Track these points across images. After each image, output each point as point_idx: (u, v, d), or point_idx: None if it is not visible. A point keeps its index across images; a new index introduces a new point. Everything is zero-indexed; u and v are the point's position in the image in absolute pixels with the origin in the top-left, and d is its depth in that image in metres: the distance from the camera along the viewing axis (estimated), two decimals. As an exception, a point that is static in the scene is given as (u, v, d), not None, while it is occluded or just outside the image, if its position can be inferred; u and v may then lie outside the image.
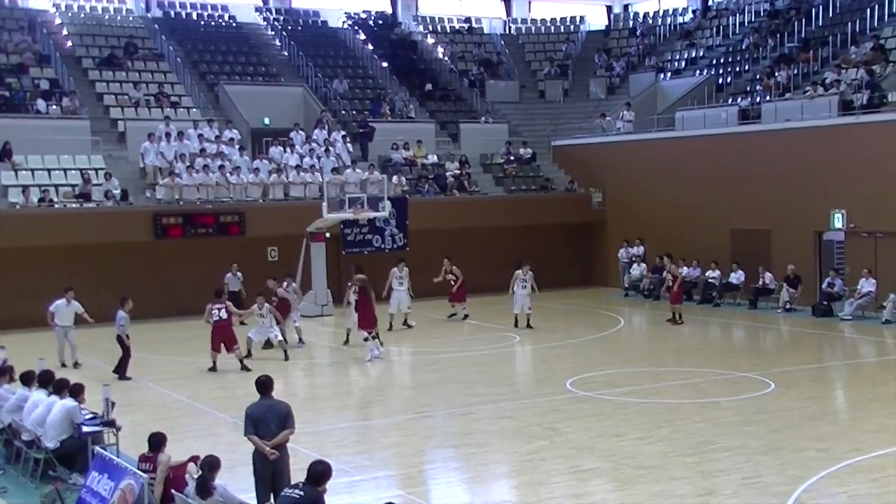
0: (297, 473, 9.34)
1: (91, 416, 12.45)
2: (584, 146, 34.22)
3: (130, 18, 37.14)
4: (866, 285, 24.35)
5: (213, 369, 19.28)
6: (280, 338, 21.07)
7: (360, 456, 13.24)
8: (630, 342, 23.52)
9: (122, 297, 19.16)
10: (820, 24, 33.58)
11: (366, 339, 20.23)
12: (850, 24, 31.35)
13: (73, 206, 26.60)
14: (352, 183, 28.78)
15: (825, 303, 25.12)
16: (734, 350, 22.28)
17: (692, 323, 26.03)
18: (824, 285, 25.51)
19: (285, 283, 22.77)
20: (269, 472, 9.79)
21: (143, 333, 24.53)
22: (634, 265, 30.71)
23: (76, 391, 12.22)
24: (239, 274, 25.90)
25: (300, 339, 22.52)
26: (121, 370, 18.61)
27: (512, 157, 34.61)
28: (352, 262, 25.23)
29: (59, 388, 12.33)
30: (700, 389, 16.86)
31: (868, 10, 31.29)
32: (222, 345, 19.34)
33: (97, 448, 11.42)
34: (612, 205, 32.71)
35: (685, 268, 29.12)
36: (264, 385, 10.16)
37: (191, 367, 20.00)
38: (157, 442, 10.33)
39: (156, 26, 36.70)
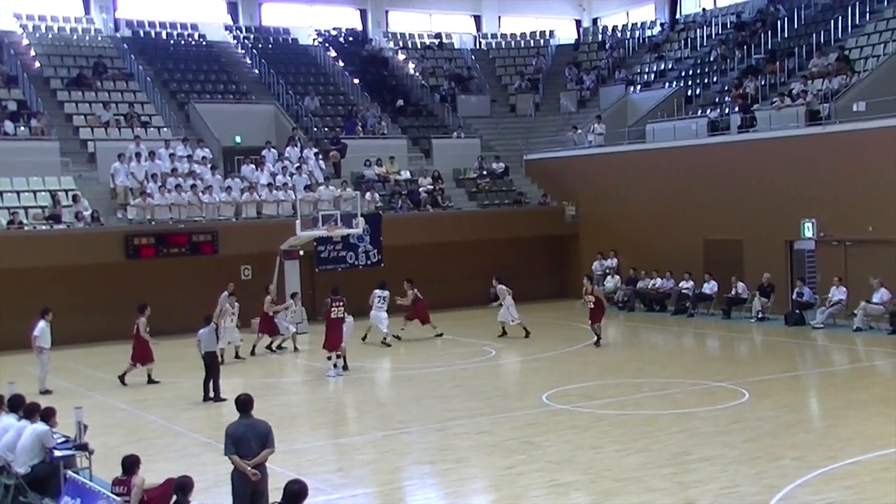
0: (273, 493, 9.26)
1: (63, 439, 12.28)
2: (556, 160, 34.39)
3: (99, 38, 36.92)
4: (837, 293, 24.57)
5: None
6: (239, 343, 22.57)
7: (336, 474, 13.15)
8: (605, 354, 23.52)
9: (207, 315, 18.91)
10: (785, 35, 34.00)
11: (329, 358, 20.49)
12: (814, 35, 31.78)
13: (44, 227, 26.35)
14: (325, 200, 28.72)
15: (797, 311, 25.32)
16: (708, 360, 22.39)
17: (666, 333, 26.19)
18: (793, 294, 25.73)
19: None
20: (249, 492, 9.69)
21: (115, 354, 24.33)
22: (608, 277, 30.84)
23: (47, 415, 12.03)
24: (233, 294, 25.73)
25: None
26: (215, 392, 18.02)
27: (484, 172, 34.71)
28: (328, 279, 25.32)
29: (30, 412, 12.14)
30: (676, 400, 16.92)
31: (832, 22, 31.73)
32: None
33: (69, 472, 11.27)
34: (585, 217, 32.86)
35: (658, 279, 29.35)
36: (244, 404, 10.04)
37: (164, 388, 19.81)
38: (130, 464, 10.21)
39: (125, 46, 36.51)
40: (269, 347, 24.05)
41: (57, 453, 11.73)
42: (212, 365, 18.14)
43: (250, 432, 9.78)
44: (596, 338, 23.34)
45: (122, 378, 20.13)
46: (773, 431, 14.28)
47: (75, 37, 36.58)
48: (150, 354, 20.15)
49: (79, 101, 32.58)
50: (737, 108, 29.93)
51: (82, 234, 26.29)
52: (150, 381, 20.08)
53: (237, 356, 22.77)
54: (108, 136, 30.85)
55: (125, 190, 28.27)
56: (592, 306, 23.38)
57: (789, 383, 18.52)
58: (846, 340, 23.02)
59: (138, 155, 29.03)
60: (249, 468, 9.58)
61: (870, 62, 28.61)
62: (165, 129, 32.22)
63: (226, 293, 23.34)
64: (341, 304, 20.48)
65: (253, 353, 23.48)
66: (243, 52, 39.17)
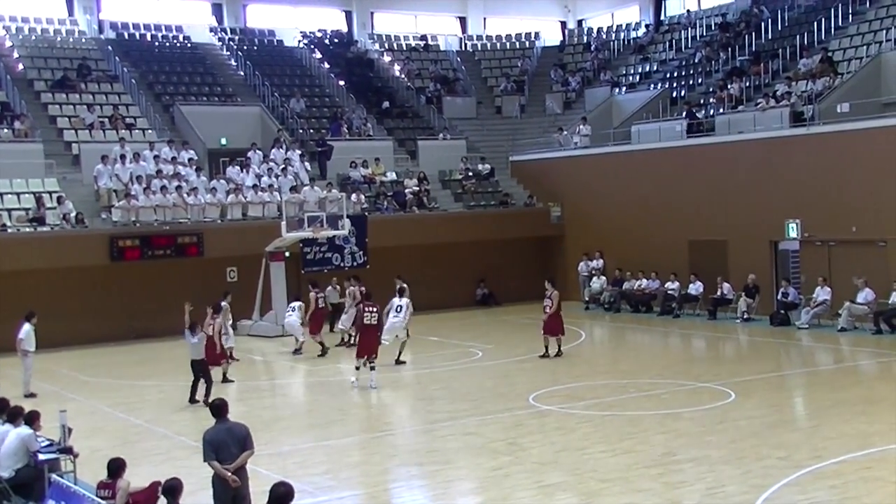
0: (260, 496, 9.22)
1: (47, 443, 12.20)
2: (541, 161, 34.44)
3: (83, 40, 36.74)
4: (821, 294, 24.69)
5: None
6: (230, 344, 21.65)
7: (323, 476, 13.12)
8: (592, 355, 23.61)
9: (192, 323, 18.19)
10: (769, 37, 34.16)
11: (357, 368, 19.01)
12: (798, 36, 31.94)
13: (27, 230, 26.18)
14: (310, 202, 28.67)
15: (782, 312, 25.43)
16: (694, 360, 22.45)
17: (652, 334, 26.26)
18: (778, 295, 25.85)
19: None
20: (230, 496, 9.66)
21: (101, 357, 24.27)
22: (594, 278, 30.90)
23: (31, 418, 11.94)
24: (338, 287, 25.93)
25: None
26: (205, 396, 17.49)
27: (470, 173, 34.72)
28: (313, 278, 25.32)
29: (14, 415, 12.04)
30: (662, 401, 16.95)
31: (815, 23, 31.91)
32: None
33: (54, 476, 11.21)
34: (570, 218, 32.91)
35: (644, 280, 29.42)
36: (219, 409, 10.04)
37: (149, 390, 19.73)
38: (115, 468, 10.15)
39: (109, 48, 36.35)
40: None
41: (41, 457, 11.64)
42: (201, 372, 17.75)
43: (229, 437, 9.77)
44: (545, 349, 21.54)
45: (224, 377, 19.73)
46: (759, 431, 14.33)
47: (59, 38, 36.39)
48: (223, 352, 19.75)
49: (63, 102, 32.41)
50: (684, 115, 30.53)
51: (66, 237, 26.14)
52: (225, 379, 19.70)
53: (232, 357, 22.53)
54: (93, 138, 30.68)
55: (109, 192, 28.13)
56: (549, 311, 21.50)
57: (775, 383, 18.60)
58: (831, 340, 23.13)
59: (123, 157, 28.91)
60: (230, 474, 9.55)
61: (853, 64, 28.79)
62: (150, 131, 32.10)
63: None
64: (374, 310, 19.16)
65: (324, 352, 23.29)
66: (228, 53, 39.06)
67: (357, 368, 19.03)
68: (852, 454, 12.83)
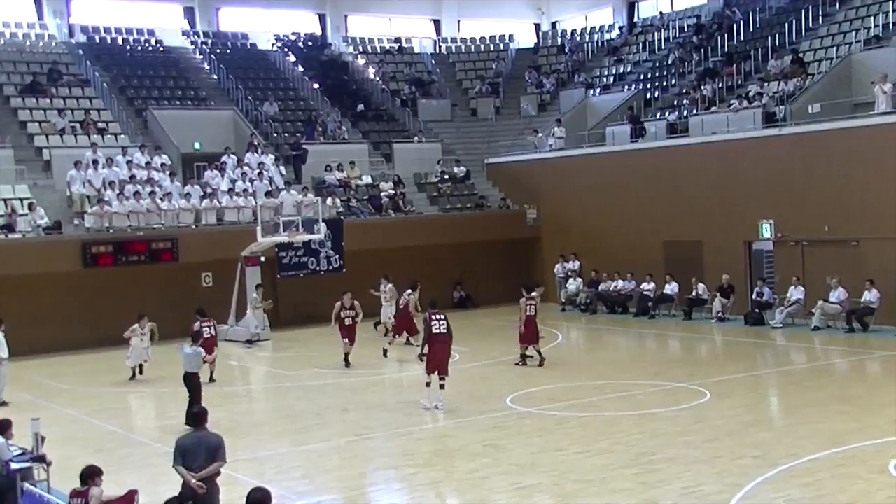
0: (237, 501, 9.17)
1: (20, 452, 12.06)
2: (517, 163, 34.50)
3: (53, 44, 36.37)
4: (795, 293, 24.88)
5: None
6: (148, 359, 21.16)
7: (300, 481, 13.07)
8: (569, 356, 23.64)
9: (194, 333, 17.64)
10: (741, 38, 34.42)
11: (428, 384, 17.24)
12: (769, 38, 32.21)
13: (-2, 237, 25.92)
14: (286, 206, 28.55)
15: (756, 311, 25.61)
16: (670, 361, 22.54)
17: (628, 335, 26.35)
18: (753, 294, 26.03)
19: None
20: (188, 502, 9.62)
21: (75, 365, 24.05)
22: (570, 280, 30.98)
23: (3, 427, 11.80)
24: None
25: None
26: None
27: (446, 176, 34.72)
28: (290, 286, 25.16)
29: (-15, 424, 11.92)
30: (638, 401, 17.02)
31: (786, 25, 32.19)
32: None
33: (27, 485, 11.08)
34: (546, 220, 32.99)
35: (620, 281, 29.53)
36: (198, 417, 10.06)
37: (125, 397, 19.56)
38: (88, 475, 10.02)
39: (80, 52, 36.03)
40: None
41: (13, 466, 11.51)
42: (193, 386, 17.03)
43: (201, 445, 9.78)
44: (539, 358, 20.96)
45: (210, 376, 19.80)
46: (734, 431, 14.42)
47: (28, 43, 35.98)
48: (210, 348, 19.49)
49: (33, 108, 32.05)
50: (627, 120, 31.02)
51: (38, 243, 25.88)
52: (211, 379, 19.70)
53: (141, 372, 21.55)
54: (64, 144, 30.39)
55: (82, 198, 27.89)
56: (531, 313, 21.04)
57: (750, 383, 18.73)
58: (804, 339, 23.32)
59: (95, 162, 28.66)
60: (194, 480, 9.49)
61: (824, 65, 29.05)
62: (123, 136, 31.83)
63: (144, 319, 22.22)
64: (443, 318, 17.24)
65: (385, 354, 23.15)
66: (201, 57, 38.83)
67: (427, 385, 17.20)
68: (826, 452, 12.94)
